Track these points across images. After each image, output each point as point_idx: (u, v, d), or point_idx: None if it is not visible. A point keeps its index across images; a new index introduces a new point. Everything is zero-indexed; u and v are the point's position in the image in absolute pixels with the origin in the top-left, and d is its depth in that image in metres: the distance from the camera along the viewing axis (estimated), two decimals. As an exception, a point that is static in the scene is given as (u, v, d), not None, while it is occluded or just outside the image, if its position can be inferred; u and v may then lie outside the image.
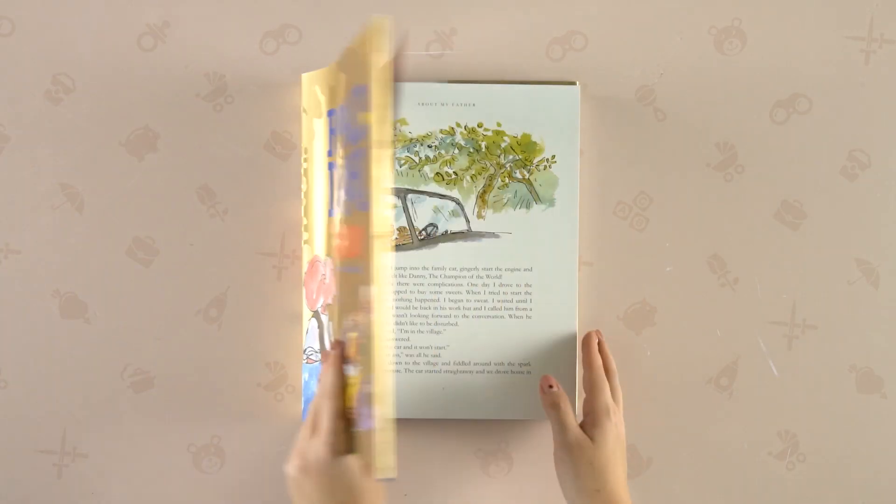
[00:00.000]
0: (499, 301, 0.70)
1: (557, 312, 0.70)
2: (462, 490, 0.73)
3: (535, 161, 0.70)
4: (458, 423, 0.72)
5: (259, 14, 0.72)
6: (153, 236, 0.72)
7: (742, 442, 0.72)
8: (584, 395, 0.68)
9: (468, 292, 0.70)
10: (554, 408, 0.67)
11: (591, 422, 0.66)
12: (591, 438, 0.65)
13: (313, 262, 0.70)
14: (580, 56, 0.72)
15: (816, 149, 0.73)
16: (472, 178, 0.70)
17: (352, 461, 0.58)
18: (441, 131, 0.70)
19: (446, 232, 0.70)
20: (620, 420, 0.67)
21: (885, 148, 0.73)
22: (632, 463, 0.72)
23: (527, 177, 0.70)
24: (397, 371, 0.70)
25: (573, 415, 0.67)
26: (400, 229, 0.70)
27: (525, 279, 0.70)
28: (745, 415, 0.73)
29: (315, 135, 0.70)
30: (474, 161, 0.70)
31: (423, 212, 0.70)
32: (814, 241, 0.73)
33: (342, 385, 0.60)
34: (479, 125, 0.70)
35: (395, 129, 0.70)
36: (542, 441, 0.73)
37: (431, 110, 0.70)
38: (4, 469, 0.72)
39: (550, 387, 0.68)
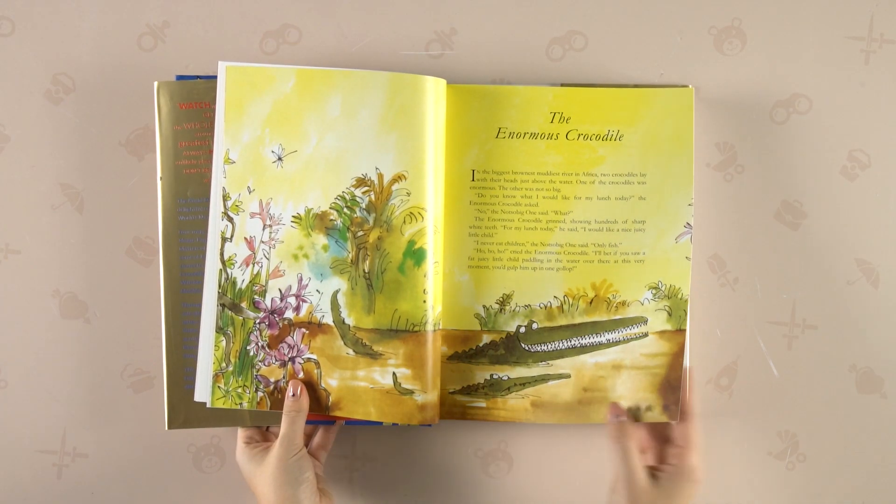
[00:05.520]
0: None
1: None
2: (462, 490, 0.73)
3: None
4: (456, 424, 0.72)
5: (259, 14, 0.72)
6: (153, 236, 0.72)
7: (742, 442, 0.72)
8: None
9: None
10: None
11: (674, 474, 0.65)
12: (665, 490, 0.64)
13: None
14: (580, 56, 0.72)
15: (816, 149, 0.73)
16: None
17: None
18: None
19: None
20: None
21: (885, 148, 0.73)
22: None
23: None
24: None
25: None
26: None
27: None
28: (745, 415, 0.73)
29: None
30: None
31: None
32: (814, 241, 0.73)
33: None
34: None
35: None
36: (543, 441, 0.73)
37: None
38: (4, 469, 0.72)
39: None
